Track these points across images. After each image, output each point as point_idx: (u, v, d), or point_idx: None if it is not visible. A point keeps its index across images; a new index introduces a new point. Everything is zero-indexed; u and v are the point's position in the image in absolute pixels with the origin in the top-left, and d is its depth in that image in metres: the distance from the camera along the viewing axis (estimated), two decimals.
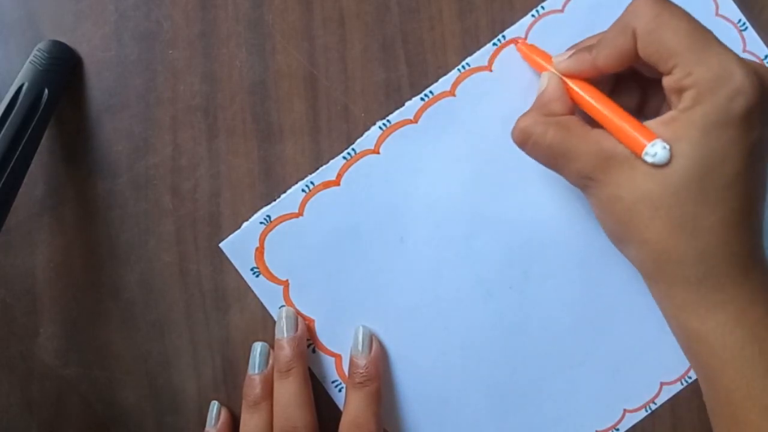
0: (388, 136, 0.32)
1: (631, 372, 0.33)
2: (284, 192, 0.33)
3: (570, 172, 0.27)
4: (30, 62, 0.32)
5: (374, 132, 0.33)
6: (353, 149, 0.32)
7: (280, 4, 0.33)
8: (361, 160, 0.32)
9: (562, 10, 0.33)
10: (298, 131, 0.33)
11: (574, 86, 0.29)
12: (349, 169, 0.32)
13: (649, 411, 0.33)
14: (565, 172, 0.28)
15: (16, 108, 0.30)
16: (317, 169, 0.33)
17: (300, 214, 0.32)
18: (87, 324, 0.34)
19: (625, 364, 0.33)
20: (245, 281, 0.33)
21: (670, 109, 0.26)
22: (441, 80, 0.33)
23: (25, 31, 0.33)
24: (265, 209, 0.32)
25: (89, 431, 0.34)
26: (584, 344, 0.33)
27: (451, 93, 0.32)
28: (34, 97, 0.31)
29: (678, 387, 0.33)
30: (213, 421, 0.33)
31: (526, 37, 0.33)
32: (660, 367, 0.33)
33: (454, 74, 0.33)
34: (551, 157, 0.28)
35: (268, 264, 0.32)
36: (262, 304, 0.33)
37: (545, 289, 0.33)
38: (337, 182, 0.32)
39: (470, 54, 0.33)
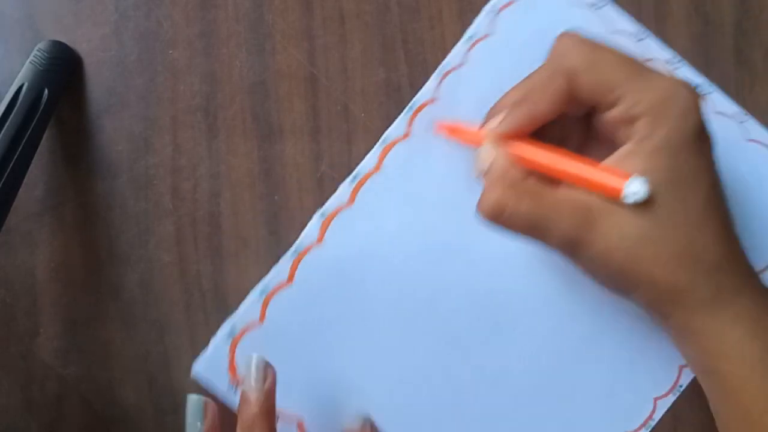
0: (329, 224, 0.32)
1: (623, 394, 0.33)
2: (285, 193, 0.33)
3: (553, 239, 0.25)
4: (30, 62, 0.32)
5: (315, 223, 0.32)
6: (300, 245, 0.32)
7: (280, 4, 0.33)
8: (308, 255, 0.32)
9: (462, 64, 0.32)
10: (298, 131, 0.33)
11: (521, 150, 0.27)
12: (299, 266, 0.32)
13: (650, 429, 0.33)
14: (548, 241, 0.25)
15: (16, 108, 0.30)
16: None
17: (261, 320, 0.31)
18: (87, 324, 0.34)
19: (615, 388, 0.33)
20: (245, 281, 0.33)
21: (615, 143, 0.25)
22: (365, 158, 0.32)
23: (25, 31, 0.33)
24: (227, 322, 0.31)
25: (89, 431, 0.34)
26: (570, 378, 0.32)
27: (377, 169, 0.32)
28: (34, 97, 0.31)
29: (671, 399, 0.33)
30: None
31: (434, 99, 0.32)
32: (650, 383, 0.33)
33: (377, 150, 0.32)
34: (530, 228, 0.25)
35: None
36: None
37: (519, 335, 0.32)
38: (290, 281, 0.32)
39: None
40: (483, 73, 0.32)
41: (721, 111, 0.32)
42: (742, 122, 0.32)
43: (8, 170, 0.30)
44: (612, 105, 0.25)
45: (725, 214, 0.25)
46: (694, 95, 0.24)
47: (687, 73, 0.32)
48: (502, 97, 0.28)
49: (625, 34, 0.33)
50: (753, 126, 0.32)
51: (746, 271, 0.26)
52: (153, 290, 0.34)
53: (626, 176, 0.24)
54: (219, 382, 0.31)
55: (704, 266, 0.25)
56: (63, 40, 0.33)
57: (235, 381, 0.31)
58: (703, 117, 0.25)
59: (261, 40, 0.33)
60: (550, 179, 0.26)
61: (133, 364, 0.34)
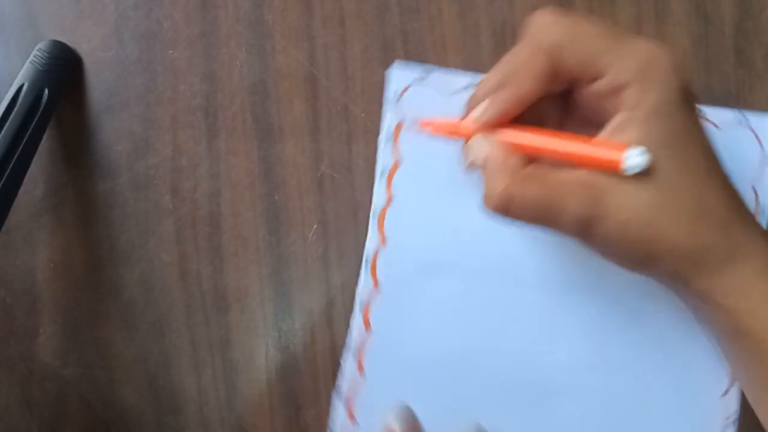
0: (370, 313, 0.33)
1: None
2: (285, 193, 0.33)
3: (566, 222, 0.25)
4: (30, 62, 0.32)
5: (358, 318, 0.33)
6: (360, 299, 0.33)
7: (280, 4, 0.33)
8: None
9: (391, 201, 0.33)
10: (298, 131, 0.33)
11: (513, 137, 0.26)
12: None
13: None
14: (560, 225, 0.25)
15: (16, 108, 0.30)
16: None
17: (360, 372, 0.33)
18: (87, 324, 0.34)
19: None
20: (245, 281, 0.33)
21: (601, 116, 0.25)
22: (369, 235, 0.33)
23: (25, 31, 0.33)
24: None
25: (89, 431, 0.34)
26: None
27: (384, 244, 0.33)
28: (34, 97, 0.31)
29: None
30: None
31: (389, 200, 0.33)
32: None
33: (374, 224, 0.33)
34: (540, 214, 0.25)
35: None
36: (262, 304, 0.33)
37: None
38: (360, 370, 0.33)
39: (470, 53, 0.33)
40: (414, 202, 0.33)
41: None
42: None
43: (8, 170, 0.30)
44: (597, 77, 0.25)
45: (724, 170, 0.25)
46: (672, 56, 0.24)
47: None
48: (480, 84, 0.27)
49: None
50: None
51: (756, 224, 0.26)
52: (153, 290, 0.34)
53: (623, 148, 0.23)
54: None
55: (718, 222, 0.24)
56: (63, 40, 0.33)
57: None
58: (686, 77, 0.25)
59: (261, 40, 0.33)
60: (549, 163, 0.25)
61: (133, 364, 0.34)
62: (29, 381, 0.34)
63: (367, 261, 0.33)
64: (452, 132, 0.29)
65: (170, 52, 0.33)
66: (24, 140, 0.30)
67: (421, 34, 0.33)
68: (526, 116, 0.27)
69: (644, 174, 0.24)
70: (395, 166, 0.33)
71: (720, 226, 0.25)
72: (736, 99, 0.33)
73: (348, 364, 0.33)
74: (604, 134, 0.25)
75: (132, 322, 0.34)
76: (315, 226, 0.34)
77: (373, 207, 0.33)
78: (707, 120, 0.32)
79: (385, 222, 0.33)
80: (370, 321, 0.33)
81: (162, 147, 0.34)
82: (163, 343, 0.34)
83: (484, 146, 0.26)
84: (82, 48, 0.33)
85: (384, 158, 0.33)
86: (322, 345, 0.34)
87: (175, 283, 0.34)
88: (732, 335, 0.26)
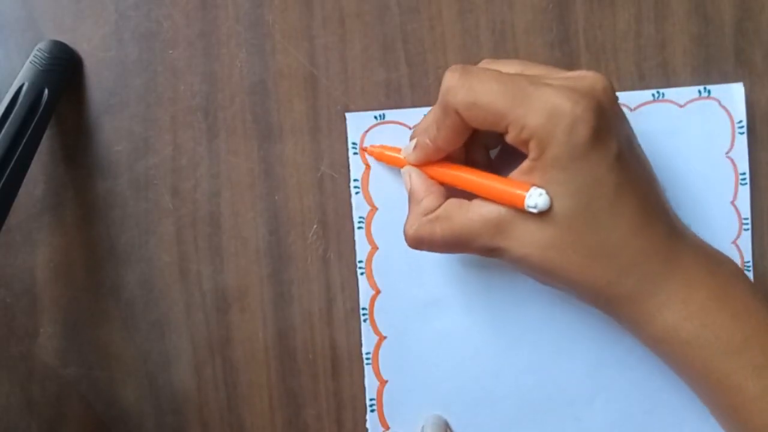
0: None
1: None
2: (285, 193, 0.33)
3: (475, 250, 0.28)
4: (30, 62, 0.32)
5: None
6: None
7: (280, 4, 0.33)
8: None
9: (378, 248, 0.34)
10: (298, 131, 0.33)
11: (434, 172, 0.29)
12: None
13: None
14: (470, 252, 0.28)
15: (16, 108, 0.30)
16: (320, 165, 0.33)
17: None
18: (87, 324, 0.34)
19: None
20: (245, 281, 0.33)
21: (525, 154, 0.26)
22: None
23: (25, 31, 0.33)
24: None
25: (89, 431, 0.34)
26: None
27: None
28: (34, 97, 0.31)
29: None
30: None
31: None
32: None
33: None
34: (451, 247, 0.28)
35: None
36: (262, 304, 0.33)
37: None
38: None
39: (470, 53, 0.33)
40: (398, 247, 0.33)
41: None
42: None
43: (8, 170, 0.30)
44: (504, 131, 0.26)
45: (640, 208, 0.26)
46: (583, 105, 0.24)
47: None
48: (419, 123, 0.30)
49: None
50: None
51: (673, 255, 0.26)
52: (153, 290, 0.34)
53: (527, 187, 0.25)
54: None
55: (619, 264, 0.26)
56: (63, 40, 0.33)
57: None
58: (600, 119, 0.24)
59: (261, 40, 0.33)
60: (469, 195, 0.28)
61: (133, 364, 0.34)
62: (29, 381, 0.34)
63: (364, 311, 0.33)
64: (390, 161, 0.32)
65: (170, 52, 0.33)
66: (24, 140, 0.30)
67: (421, 34, 0.33)
68: (477, 141, 0.29)
69: (547, 214, 0.25)
70: (371, 214, 0.33)
71: (620, 268, 0.26)
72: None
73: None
74: (513, 174, 0.26)
75: (132, 322, 0.34)
76: (315, 226, 0.34)
77: (357, 257, 0.33)
78: (670, 102, 0.33)
79: (373, 271, 0.33)
80: (381, 371, 0.33)
81: (162, 147, 0.34)
82: (163, 343, 0.34)
83: (408, 179, 0.30)
84: (82, 48, 0.33)
85: (358, 208, 0.33)
86: (322, 345, 0.34)
87: (175, 283, 0.34)
88: (653, 348, 0.28)
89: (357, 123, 0.33)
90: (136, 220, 0.34)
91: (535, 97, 0.25)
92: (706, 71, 0.33)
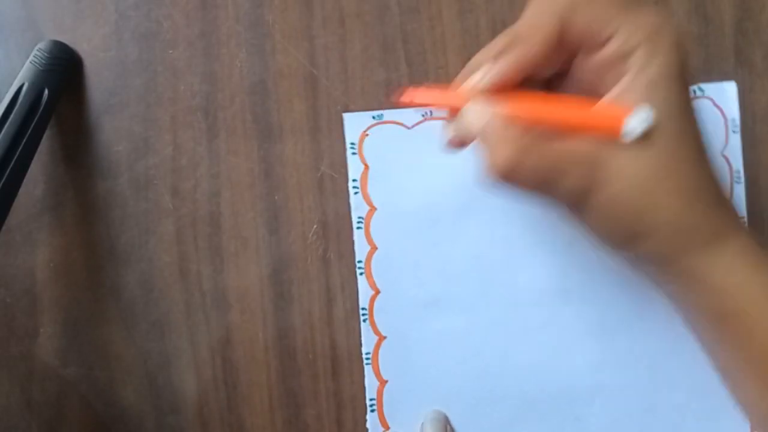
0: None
1: None
2: (285, 193, 0.33)
3: (562, 191, 0.24)
4: (30, 62, 0.32)
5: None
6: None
7: (280, 4, 0.33)
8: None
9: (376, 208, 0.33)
10: (298, 131, 0.33)
11: (513, 106, 0.25)
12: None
13: None
14: (558, 193, 0.25)
15: (16, 108, 0.30)
16: (320, 163, 0.33)
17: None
18: (87, 324, 0.34)
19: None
20: (245, 281, 0.33)
21: (602, 88, 0.25)
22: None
23: (25, 31, 0.33)
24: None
25: (89, 431, 0.34)
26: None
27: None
28: (34, 97, 0.31)
29: None
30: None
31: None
32: None
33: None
34: (540, 183, 0.24)
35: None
36: (262, 304, 0.34)
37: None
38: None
39: (470, 53, 0.33)
40: (397, 247, 0.33)
41: None
42: None
43: (8, 170, 0.30)
44: (605, 42, 0.24)
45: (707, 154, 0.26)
46: (675, 31, 0.25)
47: None
48: (481, 51, 0.27)
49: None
50: None
51: (731, 206, 0.26)
52: (153, 290, 0.34)
53: (628, 111, 0.23)
54: None
55: (709, 201, 0.25)
56: (63, 40, 0.33)
57: None
58: (684, 53, 0.25)
59: (261, 40, 0.33)
60: (550, 132, 0.25)
61: (133, 364, 0.34)
62: (29, 381, 0.34)
63: (364, 311, 0.33)
64: (442, 101, 0.27)
65: (170, 52, 0.33)
66: (24, 140, 0.30)
67: (421, 34, 0.33)
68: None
69: (646, 142, 0.24)
70: (370, 214, 0.33)
71: (711, 205, 0.25)
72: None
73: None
74: (609, 96, 0.25)
75: (132, 322, 0.34)
76: (315, 226, 0.34)
77: (356, 257, 0.33)
78: None
79: (373, 271, 0.33)
80: (381, 371, 0.33)
81: (162, 147, 0.34)
82: (163, 343, 0.34)
83: (481, 114, 0.25)
84: (82, 48, 0.33)
85: (357, 209, 0.33)
86: (322, 345, 0.34)
87: (175, 283, 0.34)
88: (716, 315, 0.26)
89: (355, 123, 0.33)
90: (136, 220, 0.34)
91: (641, 11, 0.24)
92: (706, 71, 0.33)
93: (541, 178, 0.24)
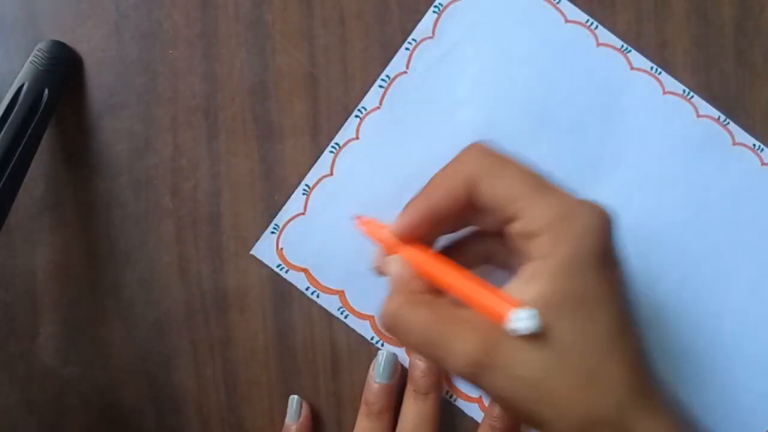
0: (363, 122, 0.33)
1: None
2: (285, 193, 0.33)
3: (454, 360, 0.23)
4: (30, 62, 0.32)
5: (352, 122, 0.33)
6: (336, 143, 0.33)
7: (280, 4, 0.33)
8: (346, 148, 0.33)
9: (406, 71, 0.33)
10: (298, 131, 0.33)
11: (424, 263, 0.26)
12: (338, 159, 0.33)
13: None
14: (449, 361, 0.23)
15: (16, 108, 0.30)
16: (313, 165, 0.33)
17: (304, 212, 0.33)
18: (87, 324, 0.34)
19: None
20: (245, 281, 0.33)
21: (521, 258, 0.24)
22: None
23: (25, 31, 0.33)
24: (273, 221, 0.33)
25: (89, 431, 0.34)
26: None
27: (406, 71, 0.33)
28: (34, 97, 0.31)
29: None
30: (294, 416, 0.33)
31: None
32: None
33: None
34: (428, 343, 0.24)
35: (288, 259, 0.33)
36: (262, 304, 0.33)
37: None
38: (330, 173, 0.33)
39: None
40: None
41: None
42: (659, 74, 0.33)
43: (8, 170, 0.30)
44: (512, 218, 0.24)
45: (634, 343, 0.24)
46: (600, 218, 0.23)
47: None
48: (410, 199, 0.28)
49: (578, 24, 0.33)
50: (666, 78, 0.33)
51: (655, 404, 0.23)
52: (153, 290, 0.34)
53: (515, 306, 0.22)
54: (271, 263, 0.34)
55: (613, 398, 0.23)
56: (63, 40, 0.33)
57: (284, 261, 0.34)
58: (609, 241, 0.24)
59: (261, 40, 0.33)
60: (453, 302, 0.24)
61: (133, 364, 0.34)
62: (29, 381, 0.34)
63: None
64: (376, 238, 0.29)
65: (170, 52, 0.33)
66: (24, 140, 0.30)
67: None
68: (470, 250, 0.28)
69: (542, 333, 0.22)
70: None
71: (614, 403, 0.23)
72: (736, 99, 0.33)
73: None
74: (510, 285, 0.24)
75: (132, 322, 0.34)
76: None
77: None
78: (758, 154, 0.33)
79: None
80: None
81: (162, 147, 0.34)
82: (163, 343, 0.34)
83: (396, 265, 0.27)
84: (82, 48, 0.33)
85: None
86: (322, 345, 0.34)
87: (175, 283, 0.34)
88: None
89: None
90: (136, 220, 0.34)
91: (555, 194, 0.24)
92: (706, 71, 0.33)
93: (428, 337, 0.24)
